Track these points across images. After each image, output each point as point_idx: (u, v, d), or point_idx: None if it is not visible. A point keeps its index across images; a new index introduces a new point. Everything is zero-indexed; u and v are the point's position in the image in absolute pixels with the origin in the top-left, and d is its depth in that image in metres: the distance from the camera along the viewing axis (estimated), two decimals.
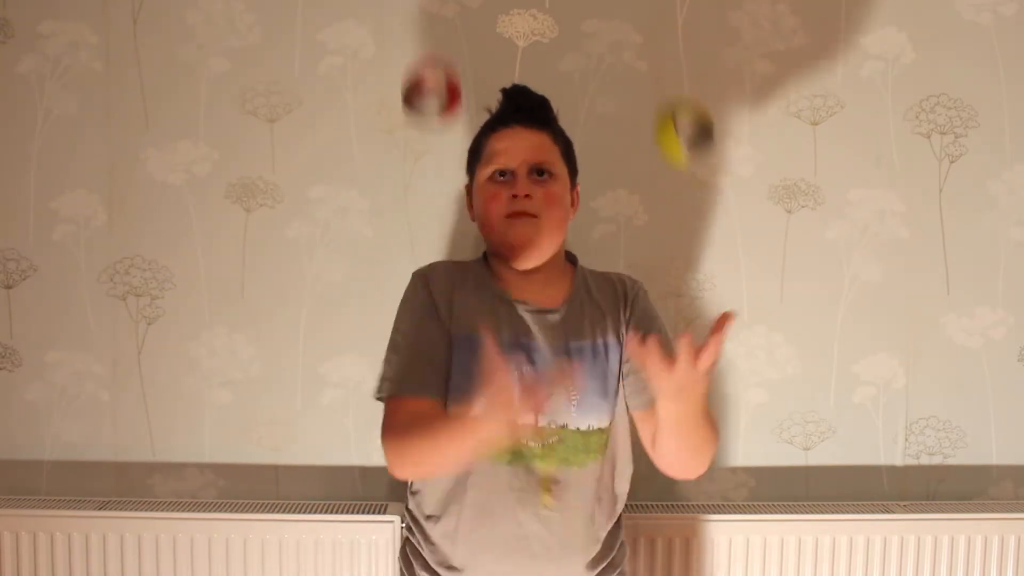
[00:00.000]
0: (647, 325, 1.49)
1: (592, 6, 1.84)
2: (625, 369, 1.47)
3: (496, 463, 1.40)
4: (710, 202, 1.88)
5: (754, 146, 1.87)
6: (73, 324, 1.85)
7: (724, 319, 1.18)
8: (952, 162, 1.90)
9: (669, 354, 1.18)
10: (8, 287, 1.84)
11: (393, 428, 1.39)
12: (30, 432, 1.86)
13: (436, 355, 1.41)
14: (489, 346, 1.21)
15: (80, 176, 1.83)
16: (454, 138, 1.81)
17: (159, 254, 1.85)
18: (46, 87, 1.82)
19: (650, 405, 1.39)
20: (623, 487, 1.51)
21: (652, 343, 1.17)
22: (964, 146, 1.90)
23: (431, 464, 1.38)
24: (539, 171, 1.45)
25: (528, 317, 1.46)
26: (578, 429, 1.42)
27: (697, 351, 1.17)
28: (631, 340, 1.24)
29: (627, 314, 1.50)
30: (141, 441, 1.87)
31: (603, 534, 1.47)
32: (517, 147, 1.46)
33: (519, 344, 1.43)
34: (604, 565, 1.47)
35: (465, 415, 1.27)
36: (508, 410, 1.20)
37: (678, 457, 1.40)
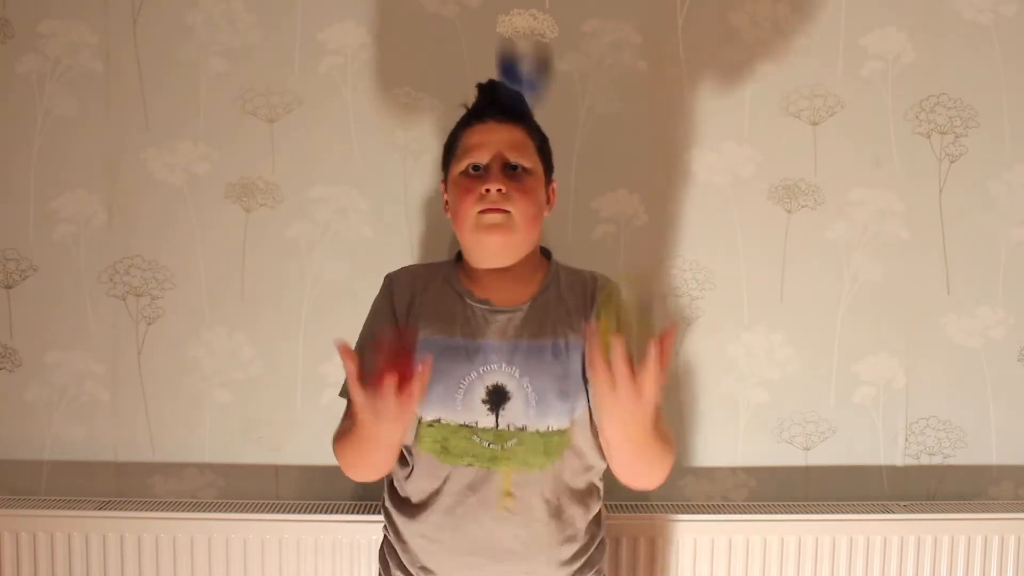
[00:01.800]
0: (605, 329, 1.45)
1: (592, 6, 1.84)
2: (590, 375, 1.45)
3: (455, 466, 1.40)
4: (710, 202, 1.88)
5: (754, 146, 1.87)
6: (73, 324, 1.85)
7: (665, 336, 1.15)
8: (952, 162, 1.90)
9: (619, 368, 1.16)
10: (8, 287, 1.84)
11: (336, 433, 1.43)
12: (30, 432, 1.86)
13: None
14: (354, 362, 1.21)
15: (80, 176, 1.83)
16: None
17: (159, 254, 1.85)
18: (46, 87, 1.82)
19: None
20: (594, 484, 1.48)
21: (594, 357, 1.16)
22: (964, 146, 1.90)
23: (359, 468, 1.41)
24: (512, 166, 1.43)
25: (486, 316, 1.44)
26: (537, 431, 1.39)
27: (639, 375, 1.15)
28: (588, 353, 1.20)
29: (591, 315, 1.45)
30: (141, 441, 1.87)
31: (574, 533, 1.44)
32: (490, 141, 1.43)
33: (472, 344, 1.42)
34: (580, 564, 1.45)
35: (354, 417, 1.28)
36: (375, 403, 1.20)
37: (631, 471, 1.38)
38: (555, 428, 1.40)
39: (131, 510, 1.78)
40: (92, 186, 1.83)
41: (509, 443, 1.39)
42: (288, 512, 1.79)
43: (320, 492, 1.87)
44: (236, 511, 1.79)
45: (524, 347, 1.42)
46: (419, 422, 1.41)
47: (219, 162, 1.84)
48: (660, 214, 1.87)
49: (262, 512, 1.79)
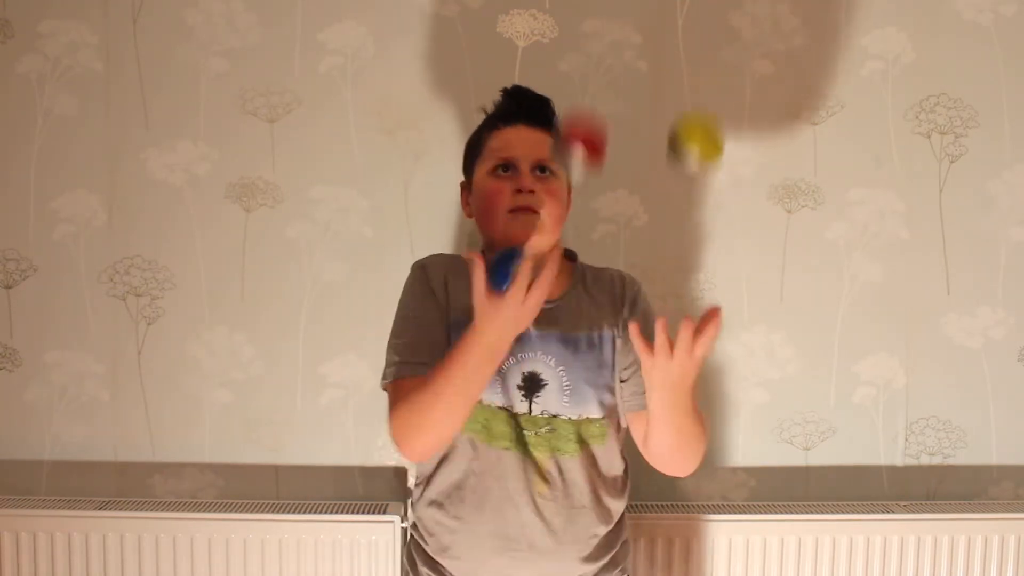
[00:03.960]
0: (647, 326, 1.48)
1: (592, 6, 1.84)
2: (624, 374, 1.47)
3: (493, 448, 1.41)
4: (710, 202, 1.88)
5: (754, 146, 1.87)
6: (73, 324, 1.85)
7: (714, 312, 1.23)
8: (952, 162, 1.90)
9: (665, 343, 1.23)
10: (8, 287, 1.84)
11: (396, 406, 1.38)
12: (30, 432, 1.86)
13: (437, 335, 1.43)
14: (477, 271, 1.25)
15: (80, 176, 1.83)
16: (454, 138, 1.81)
17: (159, 254, 1.85)
18: (46, 87, 1.82)
19: (644, 406, 1.41)
20: (622, 478, 1.51)
21: (660, 330, 1.22)
22: (964, 146, 1.90)
23: (437, 422, 1.34)
24: (541, 168, 1.46)
25: None
26: (569, 419, 1.44)
27: (694, 338, 1.21)
28: (632, 328, 1.26)
29: (625, 313, 1.50)
30: (141, 441, 1.87)
31: (601, 529, 1.46)
32: (521, 143, 1.46)
33: None
34: (605, 562, 1.47)
35: (452, 353, 1.30)
36: (498, 311, 1.25)
37: (669, 453, 1.40)
38: (587, 416, 1.45)
39: (131, 510, 1.78)
40: (92, 186, 1.83)
41: (542, 429, 1.43)
42: (288, 512, 1.79)
43: (320, 492, 1.86)
44: (236, 511, 1.79)
45: (559, 337, 1.45)
46: None
47: (219, 162, 1.84)
48: (660, 214, 1.87)
49: (262, 512, 1.79)
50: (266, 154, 1.84)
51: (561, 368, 1.44)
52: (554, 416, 1.43)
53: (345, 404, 1.86)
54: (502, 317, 1.25)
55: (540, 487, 1.42)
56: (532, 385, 1.44)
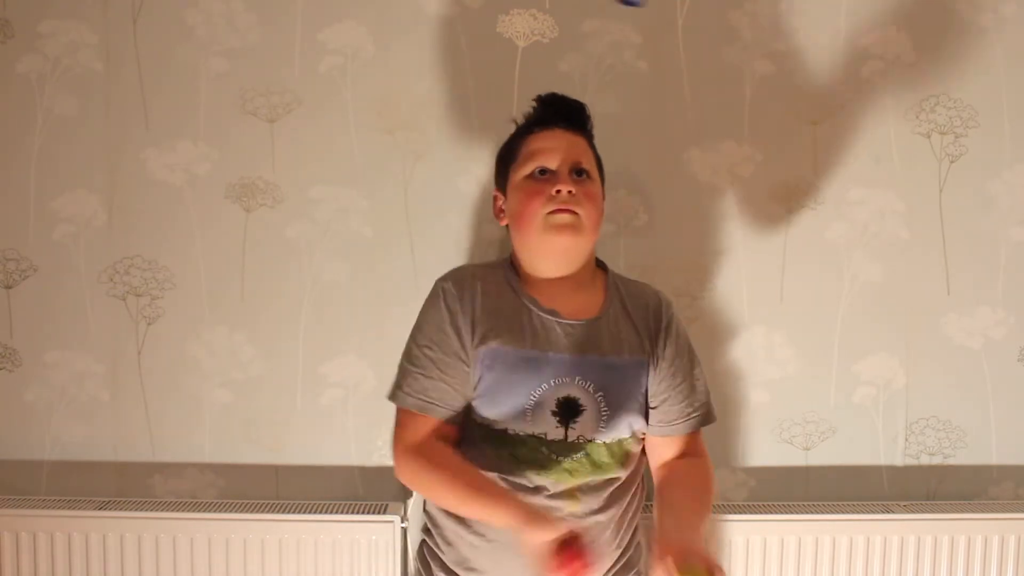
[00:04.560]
0: (683, 359, 1.50)
1: (592, 6, 1.84)
2: (654, 401, 1.48)
3: (523, 473, 1.41)
4: (710, 202, 1.87)
5: (754, 146, 1.87)
6: (73, 324, 1.85)
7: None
8: (952, 162, 1.90)
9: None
10: (8, 287, 1.84)
11: (404, 444, 1.42)
12: (30, 432, 1.86)
13: (448, 375, 1.42)
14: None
15: (80, 176, 1.83)
16: (454, 138, 1.81)
17: (159, 254, 1.85)
18: (46, 87, 1.82)
19: (667, 434, 1.47)
20: (640, 487, 1.53)
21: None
22: (964, 146, 1.90)
23: (436, 500, 1.46)
24: (579, 171, 1.46)
25: (556, 328, 1.45)
26: (604, 442, 1.43)
27: None
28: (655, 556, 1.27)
29: (663, 340, 1.49)
30: (141, 441, 1.87)
31: (626, 539, 1.48)
32: (558, 146, 1.46)
33: (542, 356, 1.43)
34: (620, 566, 1.48)
35: (497, 493, 1.34)
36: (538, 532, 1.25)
37: None
38: (618, 438, 1.45)
39: (131, 510, 1.78)
40: (92, 186, 1.83)
41: (577, 455, 1.42)
42: (288, 512, 1.79)
43: (320, 492, 1.86)
44: (236, 511, 1.79)
45: (596, 361, 1.44)
46: (481, 425, 1.43)
47: (219, 162, 1.83)
48: (660, 214, 1.87)
49: (262, 512, 1.79)
50: (266, 154, 1.84)
51: (600, 394, 1.42)
52: (589, 440, 1.43)
53: (345, 404, 1.86)
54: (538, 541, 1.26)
55: (572, 507, 1.42)
56: (570, 411, 1.42)
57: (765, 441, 1.91)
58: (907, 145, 1.89)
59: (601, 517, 1.44)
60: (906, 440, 1.93)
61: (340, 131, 1.84)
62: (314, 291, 1.86)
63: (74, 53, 1.82)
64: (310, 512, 1.79)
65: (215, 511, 1.79)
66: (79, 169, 1.83)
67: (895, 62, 1.88)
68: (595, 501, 1.43)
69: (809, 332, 1.90)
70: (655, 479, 1.51)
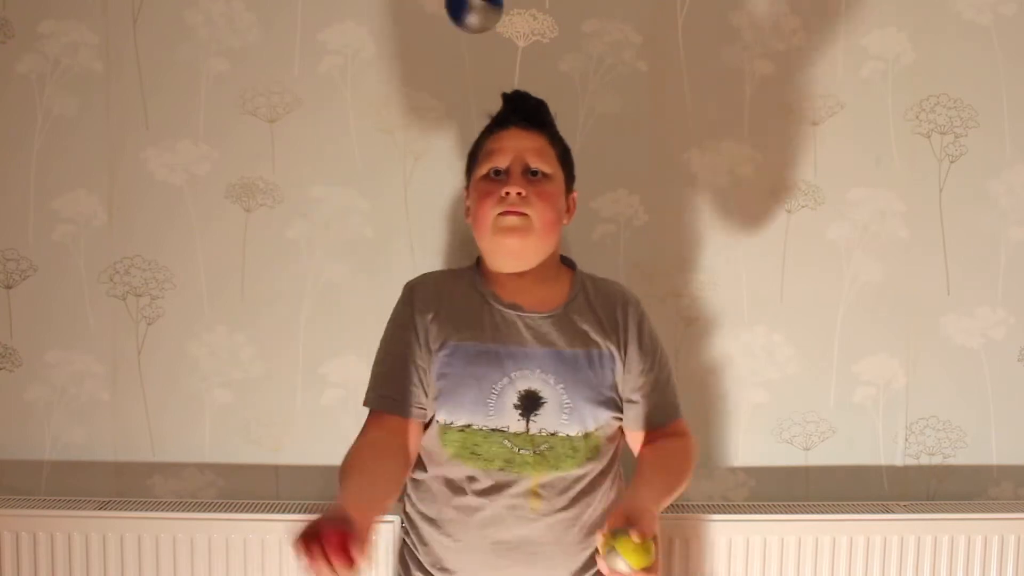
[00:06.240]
0: (650, 356, 1.49)
1: (592, 6, 1.84)
2: (633, 396, 1.47)
3: (487, 470, 1.41)
4: (710, 202, 1.87)
5: (754, 146, 1.87)
6: (73, 324, 1.85)
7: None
8: (952, 162, 1.90)
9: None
10: (8, 287, 1.84)
11: (354, 443, 1.44)
12: (30, 432, 1.86)
13: (406, 373, 1.43)
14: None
15: (80, 176, 1.83)
16: (454, 139, 1.81)
17: (159, 254, 1.85)
18: (46, 87, 1.82)
19: (641, 429, 1.47)
20: (615, 485, 1.51)
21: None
22: (964, 146, 1.90)
23: None
24: (533, 171, 1.45)
25: (518, 322, 1.45)
26: (568, 436, 1.42)
27: None
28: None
29: (630, 336, 1.49)
30: (141, 441, 1.87)
31: (595, 540, 1.45)
32: (512, 147, 1.46)
33: (504, 349, 1.43)
34: (587, 566, 1.46)
35: (344, 489, 1.33)
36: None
37: None
38: (582, 432, 1.43)
39: (131, 510, 1.78)
40: (92, 186, 1.83)
41: (540, 448, 1.41)
42: (288, 512, 1.79)
43: (320, 492, 1.86)
44: (236, 511, 1.79)
45: (559, 354, 1.44)
46: (444, 425, 1.43)
47: (219, 162, 1.84)
48: (660, 214, 1.87)
49: (262, 512, 1.79)
50: (266, 154, 1.84)
51: (561, 386, 1.42)
52: (552, 434, 1.42)
53: (345, 404, 1.86)
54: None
55: (534, 503, 1.41)
56: (531, 404, 1.42)
57: (765, 441, 1.91)
58: (907, 145, 1.89)
59: (566, 515, 1.43)
60: (906, 440, 1.93)
61: (340, 131, 1.84)
62: (314, 291, 1.86)
63: (74, 53, 1.82)
64: (310, 512, 1.79)
65: (215, 511, 1.79)
66: (79, 169, 1.83)
67: (895, 62, 1.88)
68: (560, 500, 1.42)
69: (809, 332, 1.90)
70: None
